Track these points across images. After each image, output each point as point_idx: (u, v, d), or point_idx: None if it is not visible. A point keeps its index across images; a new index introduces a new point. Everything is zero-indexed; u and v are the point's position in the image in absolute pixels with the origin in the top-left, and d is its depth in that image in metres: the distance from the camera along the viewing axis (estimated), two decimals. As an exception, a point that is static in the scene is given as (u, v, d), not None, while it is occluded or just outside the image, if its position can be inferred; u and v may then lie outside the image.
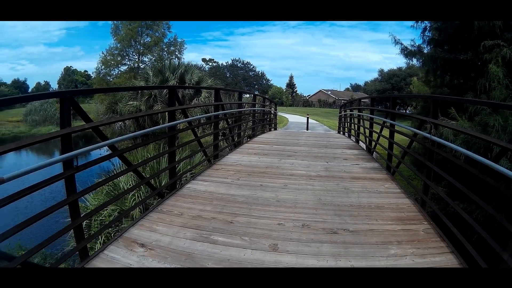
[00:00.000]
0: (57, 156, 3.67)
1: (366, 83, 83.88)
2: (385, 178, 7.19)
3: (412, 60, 12.78)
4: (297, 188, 6.39)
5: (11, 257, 3.65)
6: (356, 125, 13.52)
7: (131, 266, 3.63)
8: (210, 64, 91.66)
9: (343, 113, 19.28)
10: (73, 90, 20.26)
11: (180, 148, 9.49)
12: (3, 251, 3.69)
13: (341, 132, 18.85)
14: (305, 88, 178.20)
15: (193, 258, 3.82)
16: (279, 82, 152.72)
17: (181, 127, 7.80)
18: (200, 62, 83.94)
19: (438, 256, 3.82)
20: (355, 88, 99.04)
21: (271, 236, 4.33)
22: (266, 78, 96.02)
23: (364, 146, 11.45)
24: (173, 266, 3.64)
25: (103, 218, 9.29)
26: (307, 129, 25.08)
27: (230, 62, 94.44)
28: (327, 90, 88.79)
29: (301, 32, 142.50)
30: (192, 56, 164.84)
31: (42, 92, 54.07)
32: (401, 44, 12.44)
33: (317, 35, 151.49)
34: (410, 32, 58.88)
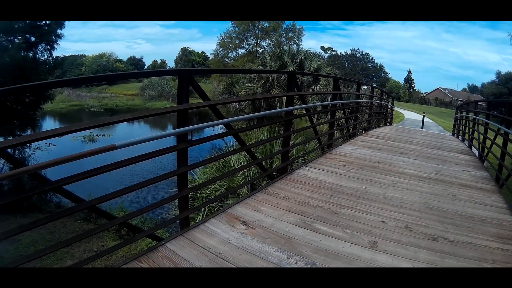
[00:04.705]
0: (171, 130, 3.73)
1: (483, 85, 79.30)
2: (493, 189, 6.68)
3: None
4: (406, 187, 6.19)
5: (112, 216, 3.98)
6: (470, 129, 12.82)
7: (229, 242, 3.77)
8: (329, 52, 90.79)
9: (458, 114, 18.40)
10: (192, 69, 20.91)
11: (295, 134, 9.43)
12: (104, 210, 3.90)
13: (455, 135, 17.89)
14: (422, 84, 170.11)
15: (292, 243, 3.85)
16: (397, 75, 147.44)
17: (297, 113, 7.70)
18: (319, 50, 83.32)
19: None
20: (472, 89, 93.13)
21: (372, 233, 4.22)
22: (385, 71, 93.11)
23: (476, 152, 10.79)
24: (270, 247, 3.71)
25: (209, 193, 9.61)
26: (422, 128, 24.19)
27: (349, 52, 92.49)
28: (444, 89, 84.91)
29: (420, 25, 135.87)
30: (310, 43, 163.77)
31: (162, 69, 56.94)
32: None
33: (436, 29, 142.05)
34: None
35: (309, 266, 3.40)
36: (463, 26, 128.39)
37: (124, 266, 3.21)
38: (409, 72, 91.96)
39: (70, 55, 75.34)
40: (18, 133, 14.43)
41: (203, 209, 8.34)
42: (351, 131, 11.41)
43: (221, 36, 55.72)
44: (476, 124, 11.72)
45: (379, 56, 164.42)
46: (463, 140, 14.37)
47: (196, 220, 6.89)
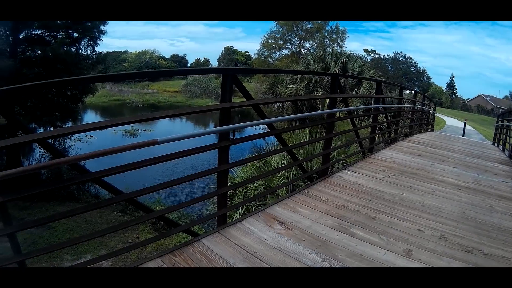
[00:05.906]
0: (214, 128, 3.74)
1: (525, 92, 77.22)
2: None
3: None
4: (444, 196, 6.09)
5: (150, 209, 4.07)
6: (511, 138, 12.45)
7: (265, 241, 3.82)
8: (372, 55, 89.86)
9: (499, 123, 17.83)
10: (236, 68, 21.24)
11: (336, 136, 9.40)
12: (142, 203, 3.94)
13: (496, 144, 17.46)
14: (464, 91, 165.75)
15: (327, 246, 3.87)
16: (439, 81, 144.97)
17: (339, 115, 7.66)
18: (362, 53, 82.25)
19: None
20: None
21: (408, 241, 4.20)
22: (427, 76, 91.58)
23: (515, 162, 10.47)
24: (306, 249, 3.75)
25: (248, 191, 9.60)
26: (463, 135, 23.63)
27: (391, 55, 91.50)
28: (486, 96, 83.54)
29: (463, 29, 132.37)
30: (354, 45, 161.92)
31: (206, 67, 57.50)
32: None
33: (479, 34, 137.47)
34: None
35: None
36: (506, 31, 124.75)
37: (158, 259, 3.27)
38: (452, 77, 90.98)
39: (113, 51, 76.84)
40: (59, 124, 14.91)
41: (240, 207, 8.36)
42: (392, 136, 11.30)
43: (264, 36, 56.30)
44: (517, 134, 11.32)
45: (421, 60, 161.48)
46: (503, 150, 14.05)
47: (233, 218, 6.93)
